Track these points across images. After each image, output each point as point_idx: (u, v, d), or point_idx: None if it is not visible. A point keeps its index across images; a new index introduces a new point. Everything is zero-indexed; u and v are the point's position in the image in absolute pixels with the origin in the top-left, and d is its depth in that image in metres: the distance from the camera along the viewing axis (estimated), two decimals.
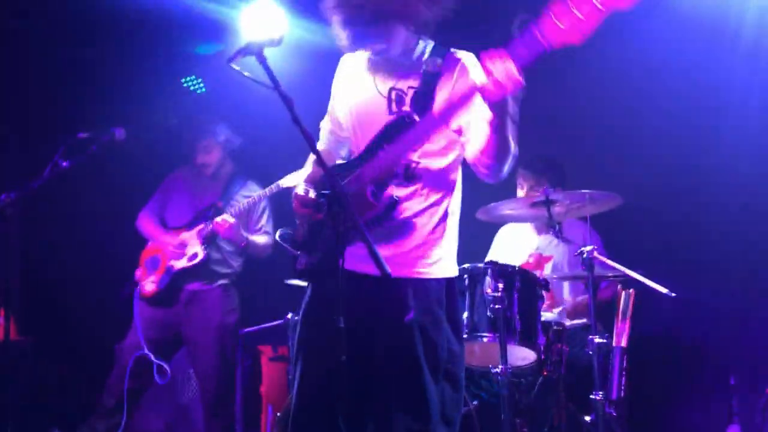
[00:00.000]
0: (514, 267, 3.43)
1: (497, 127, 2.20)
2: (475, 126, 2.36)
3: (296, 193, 2.53)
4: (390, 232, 2.40)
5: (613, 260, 3.36)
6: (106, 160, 4.12)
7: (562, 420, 3.80)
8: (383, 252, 2.27)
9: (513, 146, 2.26)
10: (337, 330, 2.14)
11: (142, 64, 5.18)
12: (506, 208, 3.48)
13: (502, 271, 3.34)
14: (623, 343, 3.59)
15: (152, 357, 4.17)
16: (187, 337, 4.32)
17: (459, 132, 2.44)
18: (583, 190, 3.25)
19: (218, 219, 4.20)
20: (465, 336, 3.29)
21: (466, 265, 3.43)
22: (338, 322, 2.16)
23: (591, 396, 3.16)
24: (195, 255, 4.27)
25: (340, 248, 2.22)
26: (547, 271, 4.20)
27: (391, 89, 2.49)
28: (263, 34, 2.51)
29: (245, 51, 2.39)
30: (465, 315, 3.35)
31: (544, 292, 3.51)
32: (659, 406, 4.37)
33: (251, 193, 4.41)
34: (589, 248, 3.16)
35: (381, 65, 2.55)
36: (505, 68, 2.02)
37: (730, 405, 4.25)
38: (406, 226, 2.42)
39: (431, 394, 2.32)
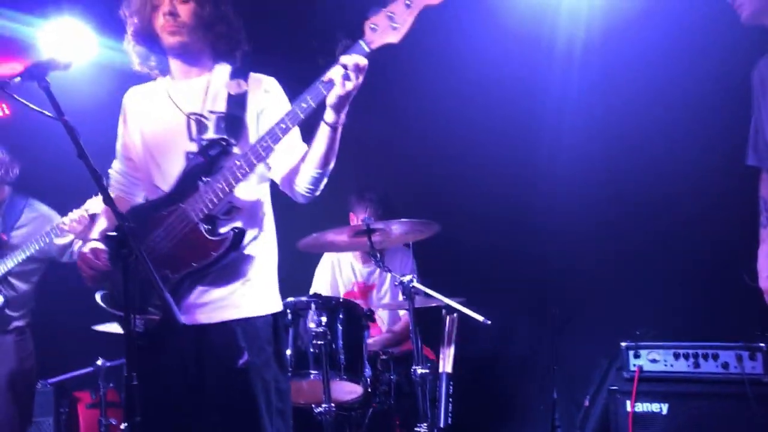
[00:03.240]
0: (338, 299, 3.35)
1: (335, 131, 2.18)
2: (289, 147, 2.29)
3: (83, 253, 2.33)
4: (217, 273, 2.27)
5: (435, 287, 3.35)
6: None
7: None
8: (210, 296, 2.25)
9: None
10: (130, 388, 1.98)
11: None
12: (329, 238, 3.39)
13: (325, 304, 3.25)
14: (448, 369, 3.60)
15: None
16: None
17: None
18: (401, 219, 3.23)
19: (66, 221, 3.71)
20: (290, 374, 3.19)
21: (289, 299, 3.31)
22: (131, 380, 2.00)
23: (415, 429, 3.11)
24: None
25: (132, 294, 2.03)
26: (384, 300, 4.17)
27: (189, 114, 2.35)
28: (51, 56, 2.30)
29: (26, 76, 2.19)
30: (289, 352, 3.22)
31: (369, 323, 3.45)
32: (487, 427, 4.44)
33: (38, 213, 3.97)
34: (408, 277, 3.13)
35: (176, 90, 2.41)
36: (355, 62, 2.06)
37: (553, 419, 4.40)
38: (232, 265, 2.29)
39: None
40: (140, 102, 2.48)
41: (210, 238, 2.21)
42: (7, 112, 5.10)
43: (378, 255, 3.29)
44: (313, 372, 3.17)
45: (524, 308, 4.52)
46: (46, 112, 2.16)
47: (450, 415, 3.53)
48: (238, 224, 2.27)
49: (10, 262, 3.78)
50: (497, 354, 4.57)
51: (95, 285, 2.37)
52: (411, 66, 4.61)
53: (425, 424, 3.09)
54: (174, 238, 2.23)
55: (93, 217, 3.72)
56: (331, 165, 2.24)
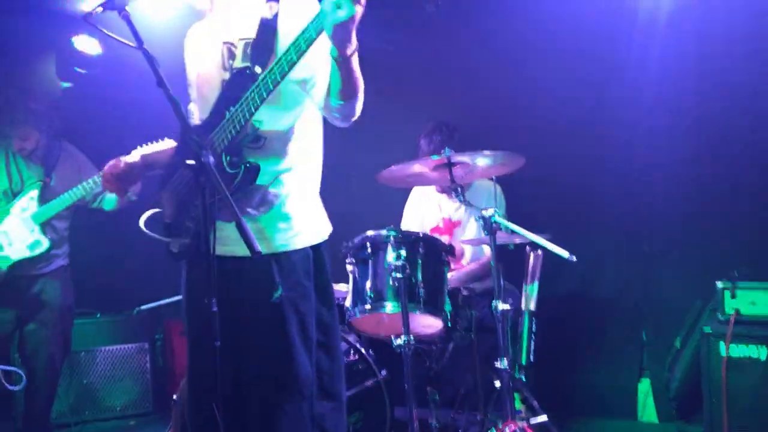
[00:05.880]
0: (417, 234, 3.29)
1: (344, 63, 2.04)
2: (321, 71, 2.21)
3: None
4: (250, 205, 2.27)
5: (520, 223, 3.25)
6: None
7: (478, 384, 3.76)
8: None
9: (360, 79, 2.13)
10: (210, 314, 2.03)
11: (20, 23, 4.78)
12: (408, 171, 3.33)
13: (404, 239, 3.20)
14: (532, 307, 3.53)
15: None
16: (26, 324, 4.04)
17: (303, 84, 2.28)
18: (484, 151, 3.12)
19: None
20: (368, 307, 3.20)
21: (369, 233, 3.29)
22: (211, 306, 2.04)
23: (496, 364, 3.07)
24: (37, 243, 3.95)
25: (208, 225, 2.05)
26: (467, 235, 4.10)
27: (223, 44, 2.33)
28: None
29: (107, 5, 2.22)
30: (368, 284, 3.22)
31: (450, 258, 3.40)
32: (571, 367, 4.37)
33: (72, 157, 4.17)
34: (489, 211, 3.04)
35: (217, 21, 2.41)
36: None
37: (641, 361, 4.29)
38: (262, 196, 2.28)
39: (305, 370, 2.27)
40: (194, 40, 2.49)
41: (227, 171, 2.19)
42: (99, 50, 5.24)
43: (460, 189, 3.21)
44: (392, 304, 3.16)
45: (613, 246, 4.36)
46: (128, 42, 2.19)
47: (532, 353, 3.47)
48: (259, 157, 2.22)
49: (58, 205, 3.97)
50: (583, 293, 4.44)
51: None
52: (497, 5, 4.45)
53: (506, 360, 3.04)
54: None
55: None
56: (358, 93, 2.14)
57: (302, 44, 2.01)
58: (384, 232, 3.23)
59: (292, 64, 2.04)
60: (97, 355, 4.87)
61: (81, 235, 4.39)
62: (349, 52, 2.00)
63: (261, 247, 2.12)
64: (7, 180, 4.00)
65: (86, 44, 5.23)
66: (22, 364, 4.07)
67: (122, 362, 4.96)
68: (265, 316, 2.24)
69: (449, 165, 3.17)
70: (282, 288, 2.22)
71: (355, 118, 2.23)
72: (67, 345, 4.25)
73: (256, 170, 2.21)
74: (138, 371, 5.01)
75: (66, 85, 5.35)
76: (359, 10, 1.90)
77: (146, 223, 2.44)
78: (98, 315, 5.04)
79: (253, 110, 2.14)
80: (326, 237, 2.41)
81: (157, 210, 2.44)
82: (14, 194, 3.98)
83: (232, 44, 2.31)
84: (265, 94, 2.11)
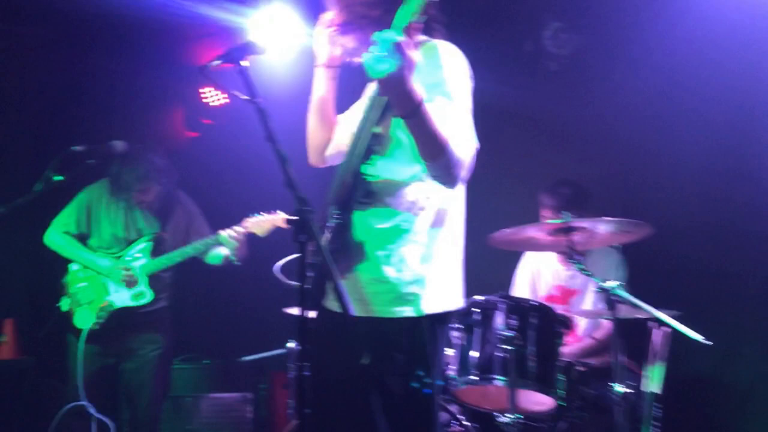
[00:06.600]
0: (529, 301, 3.10)
1: (409, 121, 1.88)
2: None
3: None
4: (350, 262, 2.11)
5: (646, 296, 2.98)
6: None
7: None
8: (344, 285, 2.00)
9: (440, 138, 1.90)
10: (299, 378, 1.93)
11: (151, 75, 5.03)
12: (522, 235, 3.14)
13: (516, 306, 3.02)
14: (655, 389, 3.20)
15: (93, 411, 3.86)
16: (127, 366, 4.09)
17: None
18: (605, 218, 2.90)
19: (229, 237, 3.97)
20: (476, 378, 3.01)
21: (478, 297, 3.12)
22: (301, 371, 1.94)
23: None
24: (141, 294, 4.03)
25: (302, 282, 1.96)
26: (584, 306, 3.83)
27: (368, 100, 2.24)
28: (249, 39, 2.32)
29: (224, 59, 2.21)
30: (474, 354, 3.04)
31: (565, 330, 3.15)
32: None
33: (185, 209, 4.24)
34: (611, 283, 2.79)
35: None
36: (381, 39, 1.77)
37: None
38: (366, 255, 2.10)
39: None
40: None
41: (329, 225, 2.10)
42: (227, 99, 5.45)
43: (579, 256, 2.98)
44: (499, 378, 2.95)
45: (752, 327, 3.94)
46: (241, 95, 2.18)
47: None
48: (369, 212, 2.09)
49: (166, 261, 4.05)
50: (716, 377, 4.03)
51: None
52: (619, 49, 4.24)
53: None
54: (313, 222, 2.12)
55: (249, 236, 3.96)
56: (438, 157, 1.92)
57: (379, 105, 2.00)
58: (494, 297, 3.06)
59: (366, 120, 2.08)
60: (202, 402, 4.88)
61: (191, 281, 4.46)
62: (402, 112, 1.86)
63: (357, 308, 2.02)
64: (123, 229, 4.13)
65: (213, 96, 5.46)
66: (125, 405, 4.13)
67: (226, 411, 4.94)
68: (351, 385, 2.09)
69: (568, 230, 2.96)
70: (368, 358, 2.02)
71: (453, 179, 2.00)
72: (167, 386, 4.29)
73: (342, 227, 2.09)
74: (240, 421, 4.97)
75: (192, 135, 5.60)
76: (403, 64, 1.76)
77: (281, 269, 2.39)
78: (205, 361, 5.09)
79: (352, 164, 2.11)
80: (429, 312, 2.10)
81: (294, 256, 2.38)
82: (128, 243, 4.10)
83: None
84: (357, 149, 2.09)
